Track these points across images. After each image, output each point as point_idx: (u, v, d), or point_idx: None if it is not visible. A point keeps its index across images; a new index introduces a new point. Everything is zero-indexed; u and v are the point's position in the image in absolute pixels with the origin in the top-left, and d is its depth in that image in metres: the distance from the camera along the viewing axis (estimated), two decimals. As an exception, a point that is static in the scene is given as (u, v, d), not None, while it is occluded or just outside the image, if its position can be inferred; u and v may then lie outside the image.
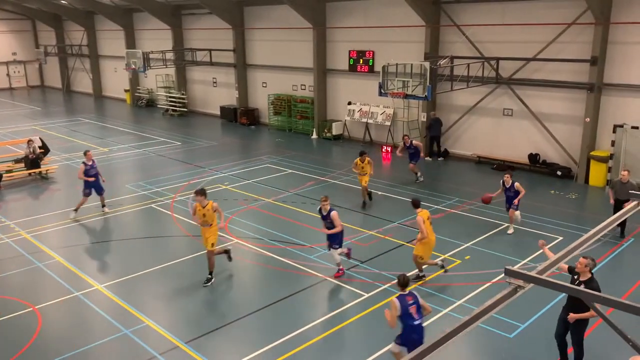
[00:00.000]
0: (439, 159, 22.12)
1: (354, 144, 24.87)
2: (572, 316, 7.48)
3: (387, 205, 16.20)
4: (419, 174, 18.69)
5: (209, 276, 11.26)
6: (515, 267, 3.20)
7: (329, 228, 11.19)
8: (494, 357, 8.67)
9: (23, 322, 9.87)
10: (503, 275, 3.17)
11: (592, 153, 18.09)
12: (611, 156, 17.65)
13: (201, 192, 11.21)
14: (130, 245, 13.55)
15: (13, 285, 11.36)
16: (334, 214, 11.13)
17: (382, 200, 16.70)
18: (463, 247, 12.85)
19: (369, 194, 16.17)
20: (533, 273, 3.27)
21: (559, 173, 19.02)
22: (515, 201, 13.40)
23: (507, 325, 9.35)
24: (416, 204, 11.03)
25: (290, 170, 20.15)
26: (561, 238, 13.27)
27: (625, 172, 13.05)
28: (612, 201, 13.18)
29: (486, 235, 13.59)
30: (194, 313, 10.19)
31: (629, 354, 6.16)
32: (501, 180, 13.71)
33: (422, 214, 10.81)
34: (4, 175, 18.94)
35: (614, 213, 10.69)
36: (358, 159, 15.75)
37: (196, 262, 12.38)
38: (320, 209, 11.29)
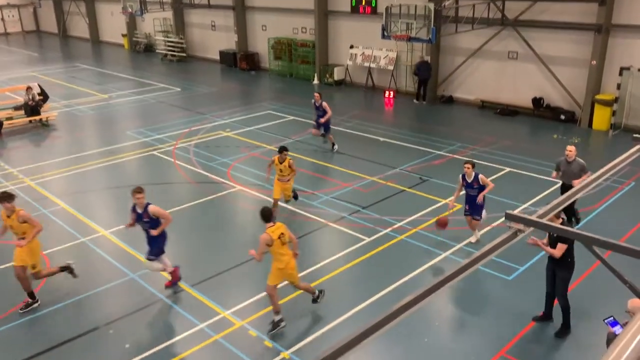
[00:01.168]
0: (423, 102, 21.88)
1: (356, 89, 24.59)
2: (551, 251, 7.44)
3: (388, 151, 16.18)
4: (335, 145, 16.05)
5: (29, 300, 8.71)
6: (516, 212, 3.22)
7: (150, 227, 8.83)
8: (493, 299, 8.89)
9: (32, 267, 10.08)
10: (503, 219, 3.20)
11: (596, 97, 17.86)
12: (616, 99, 17.44)
13: (5, 198, 8.42)
14: (134, 192, 13.63)
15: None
16: (152, 208, 8.80)
17: (384, 146, 16.65)
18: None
19: (294, 195, 12.17)
20: (533, 217, 3.29)
21: (562, 117, 18.86)
22: (480, 197, 10.03)
23: (506, 267, 9.53)
24: (266, 217, 7.93)
25: (292, 117, 20.01)
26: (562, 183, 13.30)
27: (572, 149, 10.18)
28: (555, 178, 10.87)
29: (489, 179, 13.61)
30: (199, 257, 10.39)
31: (615, 304, 6.31)
32: (461, 174, 10.33)
33: (272, 232, 7.74)
34: (4, 122, 18.87)
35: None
36: (276, 157, 11.26)
37: (201, 207, 12.50)
38: (134, 206, 8.93)
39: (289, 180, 11.40)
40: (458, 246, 10.38)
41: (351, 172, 14.34)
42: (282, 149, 11.21)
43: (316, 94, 15.90)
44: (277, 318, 8.04)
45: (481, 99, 21.19)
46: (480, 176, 10.04)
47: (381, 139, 17.19)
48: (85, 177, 14.71)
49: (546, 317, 8.03)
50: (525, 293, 8.86)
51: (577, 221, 10.76)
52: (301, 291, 8.53)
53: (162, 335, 8.08)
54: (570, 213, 10.46)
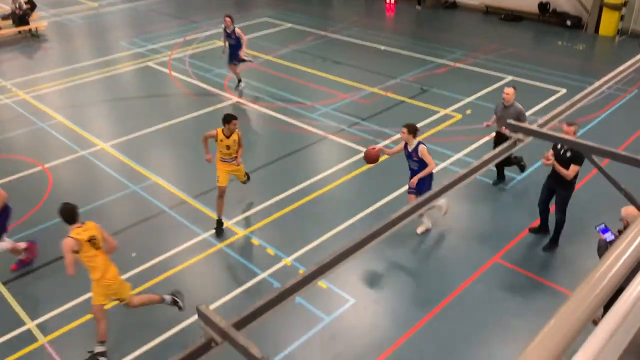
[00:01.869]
0: (418, 6, 21.06)
1: (355, -5, 23.58)
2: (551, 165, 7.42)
3: (389, 60, 15.80)
4: (241, 82, 13.84)
5: None
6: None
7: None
8: (489, 207, 9.06)
9: (34, 180, 10.20)
10: (504, 128, 3.17)
11: (605, 0, 17.17)
12: (625, 3, 16.78)
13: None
14: (131, 104, 13.50)
15: (20, 146, 11.54)
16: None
17: (385, 55, 16.24)
18: (465, 101, 12.77)
19: (247, 176, 9.26)
20: (533, 126, 3.26)
21: (568, 23, 18.24)
22: (420, 175, 7.75)
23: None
24: (68, 215, 6.38)
25: (289, 25, 19.35)
26: (564, 90, 13.13)
27: (509, 91, 8.72)
28: (489, 125, 9.32)
29: (489, 89, 13.43)
30: (199, 169, 10.46)
31: (606, 215, 6.41)
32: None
33: (78, 235, 6.16)
34: (-8, 33, 18.28)
35: (494, 146, 8.47)
36: (220, 129, 8.39)
37: (197, 120, 12.42)
38: None
39: (236, 158, 8.47)
40: (456, 156, 10.42)
41: (350, 82, 14.10)
42: (230, 118, 8.23)
43: (226, 18, 13.18)
44: (99, 349, 6.28)
45: (485, 4, 20.39)
46: (421, 147, 7.72)
47: (382, 47, 16.73)
48: (81, 89, 14.47)
49: (542, 229, 8.19)
50: (521, 202, 9.02)
51: (522, 168, 9.58)
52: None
53: (168, 244, 8.32)
54: (509, 163, 9.31)
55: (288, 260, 7.84)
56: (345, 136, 11.40)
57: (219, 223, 8.46)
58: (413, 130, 7.75)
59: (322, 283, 7.11)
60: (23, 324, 6.92)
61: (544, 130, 3.31)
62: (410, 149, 7.81)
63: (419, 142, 7.77)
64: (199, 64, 15.72)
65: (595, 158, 3.19)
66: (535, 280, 7.41)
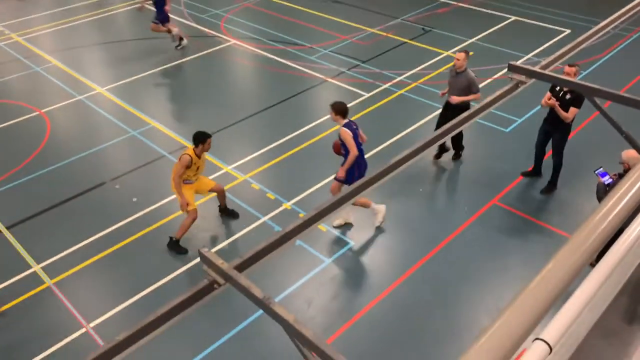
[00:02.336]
0: None
1: None
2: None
3: (390, 0, 15.36)
4: (182, 41, 12.58)
5: None
6: (519, 62, 3.13)
7: None
8: (487, 151, 9.05)
9: (32, 125, 10.13)
10: (506, 70, 3.12)
11: None
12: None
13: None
14: (126, 47, 13.22)
15: (15, 90, 11.39)
16: None
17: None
18: (467, 42, 12.50)
19: (228, 211, 7.80)
20: (536, 68, 3.20)
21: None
22: (344, 167, 6.76)
23: (504, 120, 9.57)
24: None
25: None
26: (569, 31, 12.84)
27: (460, 56, 7.71)
28: (442, 95, 8.44)
29: (492, 29, 13.13)
30: (197, 114, 10.38)
31: (605, 159, 6.40)
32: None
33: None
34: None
35: (440, 121, 8.12)
36: (192, 153, 6.97)
37: (196, 62, 12.21)
38: None
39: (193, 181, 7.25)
40: (458, 99, 10.30)
41: (350, 23, 13.76)
42: (206, 137, 6.96)
43: None
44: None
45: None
46: (341, 131, 6.66)
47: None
48: (75, 31, 14.14)
49: (535, 173, 8.21)
50: (521, 146, 9.00)
51: (457, 156, 8.71)
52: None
53: (168, 189, 8.36)
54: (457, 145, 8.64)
55: (288, 205, 7.91)
56: (345, 79, 11.24)
57: (177, 243, 7.14)
58: (340, 111, 6.70)
59: (321, 226, 7.20)
60: (29, 267, 7.05)
61: (547, 72, 3.25)
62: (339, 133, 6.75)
63: (344, 124, 6.71)
64: (194, 5, 15.29)
65: (597, 100, 3.15)
66: (533, 222, 7.50)
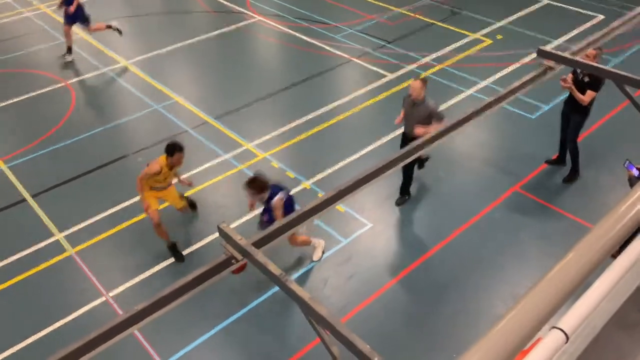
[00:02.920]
0: None
1: None
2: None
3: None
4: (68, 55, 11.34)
5: None
6: (548, 47, 3.05)
7: None
8: (512, 137, 8.91)
9: (57, 96, 10.26)
10: (535, 56, 3.05)
11: None
12: None
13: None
14: (150, 21, 13.24)
15: (42, 61, 11.52)
16: None
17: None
18: (496, 25, 12.24)
19: (192, 204, 7.52)
20: (566, 54, 3.13)
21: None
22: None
23: (531, 106, 9.40)
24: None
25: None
26: (602, 17, 12.47)
27: (416, 84, 6.76)
28: (398, 122, 7.37)
29: (523, 12, 12.82)
30: (222, 90, 10.39)
31: (630, 149, 6.28)
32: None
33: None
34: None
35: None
36: (164, 162, 6.61)
37: (221, 38, 12.19)
38: None
39: (170, 184, 6.92)
40: (483, 84, 10.14)
41: (377, 2, 13.56)
42: (174, 150, 6.60)
43: None
44: None
45: None
46: (276, 199, 6.02)
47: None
48: (98, 4, 14.18)
49: (559, 161, 8.08)
50: (546, 133, 8.83)
51: (420, 164, 7.95)
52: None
53: (189, 164, 8.42)
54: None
55: (307, 184, 7.92)
56: (369, 59, 11.12)
57: (173, 247, 6.84)
58: (264, 187, 6.03)
59: (340, 207, 7.21)
60: (52, 235, 7.21)
61: (577, 58, 3.17)
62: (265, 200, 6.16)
63: (274, 190, 6.07)
64: (220, -20, 15.21)
65: (628, 89, 3.07)
66: (555, 210, 7.39)
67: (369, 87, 10.22)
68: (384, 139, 8.74)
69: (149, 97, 10.11)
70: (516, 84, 2.91)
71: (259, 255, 1.89)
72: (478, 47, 11.35)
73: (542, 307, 1.34)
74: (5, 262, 6.85)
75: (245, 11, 13.39)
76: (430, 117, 6.79)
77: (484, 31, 11.98)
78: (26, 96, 10.27)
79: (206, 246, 6.99)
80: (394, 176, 7.33)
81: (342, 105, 9.74)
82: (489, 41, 11.63)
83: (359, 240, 7.05)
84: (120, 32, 11.68)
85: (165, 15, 13.46)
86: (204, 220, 7.31)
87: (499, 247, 6.85)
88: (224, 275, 1.98)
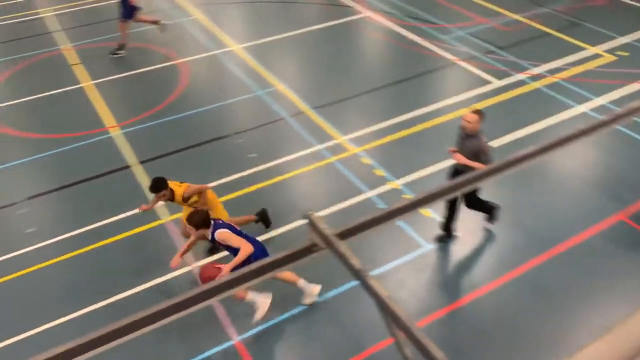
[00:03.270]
0: None
1: None
2: None
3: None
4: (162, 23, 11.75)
5: None
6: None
7: None
8: (622, 160, 8.26)
9: (169, 73, 10.89)
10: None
11: None
12: None
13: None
14: (264, 7, 13.65)
15: (158, 38, 12.25)
16: None
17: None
18: (619, 41, 11.37)
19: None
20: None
21: None
22: (235, 263, 5.45)
23: (648, 131, 8.68)
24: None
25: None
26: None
27: (471, 118, 6.17)
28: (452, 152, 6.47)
29: (652, 30, 11.81)
30: (323, 82, 10.52)
31: None
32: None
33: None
34: None
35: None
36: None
37: (328, 31, 12.33)
38: None
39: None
40: (598, 102, 9.48)
41: (492, 6, 13.08)
42: (152, 188, 6.23)
43: None
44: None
45: None
46: (218, 233, 5.58)
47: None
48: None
49: None
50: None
51: (491, 217, 7.03)
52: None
53: (283, 151, 8.64)
54: (477, 205, 6.86)
55: (397, 184, 7.83)
56: (477, 64, 10.76)
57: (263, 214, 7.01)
58: (202, 223, 5.57)
59: (427, 211, 7.07)
60: (147, 200, 7.65)
61: None
62: (210, 238, 5.74)
63: (215, 226, 5.63)
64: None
65: None
66: (663, 247, 6.78)
67: (473, 93, 9.90)
68: (482, 148, 8.43)
69: (253, 82, 10.46)
70: (635, 104, 2.68)
71: (342, 246, 1.89)
72: (596, 62, 10.62)
73: (633, 343, 1.23)
74: (105, 221, 7.39)
75: (355, 5, 13.43)
76: (478, 155, 6.12)
77: (605, 46, 11.18)
78: (145, 69, 10.99)
79: (291, 231, 7.12)
80: (489, 186, 7.05)
81: (442, 108, 9.52)
82: (609, 57, 10.85)
83: (441, 248, 6.87)
84: (161, 27, 11.67)
85: (277, 3, 13.83)
86: (290, 209, 7.46)
87: (594, 277, 6.39)
88: (305, 262, 2.01)
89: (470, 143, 6.22)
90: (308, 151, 8.57)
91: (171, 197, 6.31)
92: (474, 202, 6.72)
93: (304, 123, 9.25)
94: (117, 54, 11.46)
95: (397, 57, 11.37)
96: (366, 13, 13.04)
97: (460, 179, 2.24)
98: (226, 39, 12.08)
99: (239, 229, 5.83)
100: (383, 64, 11.42)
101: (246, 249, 5.46)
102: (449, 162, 8.12)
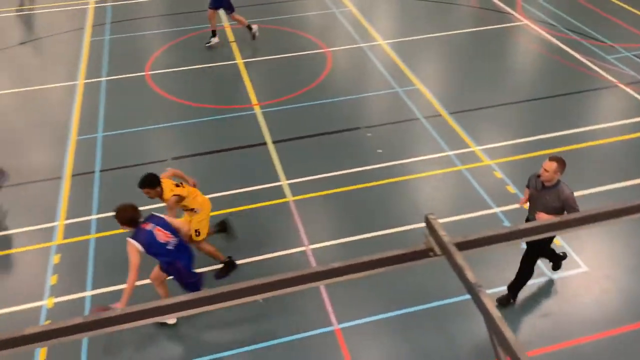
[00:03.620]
0: None
1: None
2: None
3: None
4: (253, 31, 11.56)
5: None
6: None
7: None
8: None
9: (315, 60, 11.23)
10: None
11: None
12: None
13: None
14: (418, 5, 13.51)
15: (310, 25, 12.68)
16: None
17: None
18: None
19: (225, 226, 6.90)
20: None
21: None
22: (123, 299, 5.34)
23: None
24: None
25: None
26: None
27: (550, 166, 5.37)
28: (523, 204, 6.03)
29: None
30: (464, 87, 10.20)
31: None
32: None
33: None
34: None
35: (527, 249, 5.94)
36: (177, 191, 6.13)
37: (481, 35, 11.91)
38: None
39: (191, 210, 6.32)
40: None
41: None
42: (147, 184, 5.94)
43: None
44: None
45: None
46: (128, 242, 5.44)
47: None
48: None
49: None
50: None
51: (555, 266, 6.38)
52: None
53: (412, 150, 8.55)
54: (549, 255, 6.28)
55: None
56: (639, 89, 9.77)
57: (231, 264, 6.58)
58: (126, 220, 5.41)
59: (557, 240, 6.60)
60: (278, 180, 8.02)
61: None
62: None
63: (136, 231, 5.41)
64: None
65: None
66: None
67: (632, 120, 9.02)
68: (632, 182, 7.67)
69: (393, 78, 10.44)
70: None
71: (459, 257, 1.85)
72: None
73: None
74: (236, 191, 7.86)
75: (513, 13, 12.80)
76: (562, 207, 5.43)
77: None
78: (293, 54, 11.45)
79: (405, 232, 7.06)
80: (629, 225, 6.43)
81: (593, 131, 8.79)
82: None
83: (567, 280, 6.39)
84: (254, 37, 11.57)
85: (434, 4, 13.61)
86: (410, 208, 7.38)
87: None
88: (418, 264, 1.99)
89: (549, 194, 5.47)
90: (438, 155, 8.40)
91: (160, 196, 5.99)
92: (547, 251, 6.14)
93: (439, 126, 9.07)
94: (209, 42, 11.56)
95: (550, 71, 10.67)
96: (524, 21, 12.38)
97: (603, 209, 2.07)
98: (374, 33, 12.17)
99: (173, 230, 5.55)
100: (533, 76, 10.79)
101: (131, 275, 5.26)
102: (590, 191, 7.51)
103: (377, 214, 7.36)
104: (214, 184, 7.94)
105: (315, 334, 5.89)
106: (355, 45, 11.71)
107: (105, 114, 9.65)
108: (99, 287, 6.49)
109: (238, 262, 6.66)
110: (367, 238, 6.99)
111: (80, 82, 10.61)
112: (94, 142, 8.95)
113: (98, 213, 7.54)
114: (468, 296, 1.80)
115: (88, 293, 6.43)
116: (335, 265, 1.88)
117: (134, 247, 5.32)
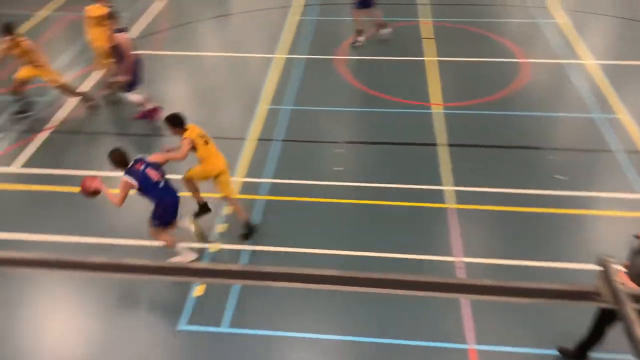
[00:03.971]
0: None
1: None
2: None
3: None
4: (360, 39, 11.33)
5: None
6: None
7: None
8: None
9: (508, 69, 10.68)
10: None
11: None
12: None
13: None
14: (620, 25, 12.09)
15: (510, 32, 12.06)
16: None
17: None
18: None
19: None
20: None
21: None
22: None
23: None
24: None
25: None
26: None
27: None
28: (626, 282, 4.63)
29: None
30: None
31: None
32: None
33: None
34: None
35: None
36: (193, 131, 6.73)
37: None
38: None
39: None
40: None
41: None
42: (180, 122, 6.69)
43: None
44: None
45: None
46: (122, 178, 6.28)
47: None
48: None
49: None
50: None
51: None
52: None
53: (598, 184, 7.75)
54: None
55: None
56: None
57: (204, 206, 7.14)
58: (118, 162, 6.19)
59: None
60: (440, 183, 7.81)
61: None
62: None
63: (129, 169, 6.18)
64: None
65: None
66: None
67: None
68: None
69: (593, 103, 9.52)
70: None
71: (632, 310, 1.65)
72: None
73: None
74: (389, 185, 7.82)
75: None
76: None
77: None
78: (487, 59, 11.02)
79: (571, 270, 6.45)
80: None
81: None
82: None
83: None
84: (357, 43, 11.42)
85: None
86: (580, 246, 6.72)
87: None
88: (575, 305, 1.82)
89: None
90: (628, 196, 7.51)
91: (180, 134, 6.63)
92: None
93: (637, 164, 8.08)
94: (356, 42, 11.56)
95: None
96: None
97: None
98: (582, 50, 11.16)
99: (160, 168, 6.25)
100: None
101: (115, 200, 6.12)
102: None
103: (542, 242, 6.85)
104: (376, 175, 8.02)
105: (448, 347, 5.70)
106: (554, 60, 10.89)
107: (295, 89, 10.25)
108: (258, 245, 6.97)
109: (381, 255, 6.65)
110: (525, 266, 6.54)
111: (278, 56, 11.39)
112: (278, 113, 9.59)
113: (273, 178, 8.05)
114: (629, 357, 1.61)
115: (248, 247, 6.96)
116: (488, 282, 1.80)
117: (129, 182, 6.12)
